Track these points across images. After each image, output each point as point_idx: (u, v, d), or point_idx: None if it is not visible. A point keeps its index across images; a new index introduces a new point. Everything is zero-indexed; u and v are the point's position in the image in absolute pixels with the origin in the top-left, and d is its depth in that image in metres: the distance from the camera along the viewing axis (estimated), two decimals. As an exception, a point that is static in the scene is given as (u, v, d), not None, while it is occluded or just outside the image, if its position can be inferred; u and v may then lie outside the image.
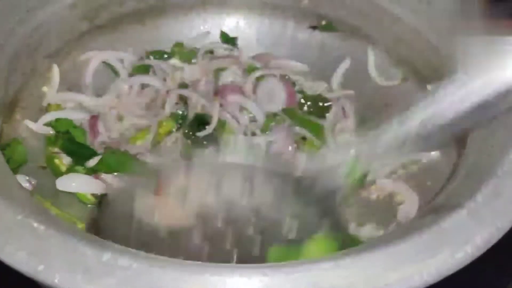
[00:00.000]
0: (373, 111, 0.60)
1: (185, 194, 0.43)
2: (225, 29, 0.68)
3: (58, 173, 0.53)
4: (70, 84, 0.61)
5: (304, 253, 0.39)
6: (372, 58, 0.64)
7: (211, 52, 0.66)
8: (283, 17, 0.67)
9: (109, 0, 0.61)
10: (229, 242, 0.40)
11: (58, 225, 0.34)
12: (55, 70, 0.59)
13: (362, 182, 0.51)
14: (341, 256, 0.34)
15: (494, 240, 0.35)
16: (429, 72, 0.59)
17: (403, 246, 0.34)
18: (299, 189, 0.43)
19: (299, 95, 0.62)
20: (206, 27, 0.68)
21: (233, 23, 0.68)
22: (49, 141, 0.55)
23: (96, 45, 0.63)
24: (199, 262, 0.33)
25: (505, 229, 0.37)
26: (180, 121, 0.58)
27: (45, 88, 0.59)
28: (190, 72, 0.63)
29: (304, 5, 0.67)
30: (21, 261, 0.31)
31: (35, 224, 0.33)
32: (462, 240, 0.35)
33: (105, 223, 0.42)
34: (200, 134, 0.55)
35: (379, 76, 0.63)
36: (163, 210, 0.42)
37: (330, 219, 0.42)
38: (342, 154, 0.44)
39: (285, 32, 0.68)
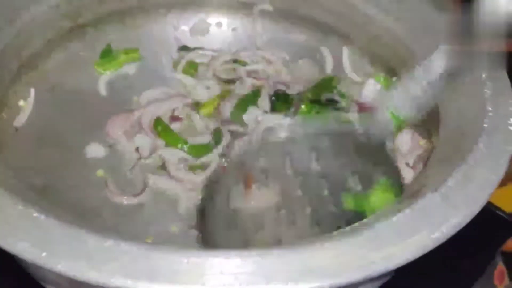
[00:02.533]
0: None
1: (267, 178, 0.51)
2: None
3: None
4: (52, 84, 0.62)
5: (370, 202, 0.48)
6: (346, 55, 0.67)
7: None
8: (260, 17, 0.70)
9: (91, 0, 0.63)
10: (308, 207, 0.49)
11: (57, 214, 0.35)
12: (31, 96, 0.59)
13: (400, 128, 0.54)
14: (328, 239, 0.36)
15: (465, 222, 0.38)
16: (401, 68, 0.62)
17: (384, 228, 0.37)
18: (357, 145, 0.50)
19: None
20: (186, 27, 0.70)
21: (213, 22, 0.70)
22: None
23: (78, 44, 0.64)
24: (196, 248, 0.35)
25: (475, 212, 0.40)
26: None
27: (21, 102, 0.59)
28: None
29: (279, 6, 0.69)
30: (24, 249, 0.33)
31: (35, 214, 0.34)
32: (438, 221, 0.38)
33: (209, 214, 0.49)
34: None
35: (354, 72, 0.66)
36: (254, 200, 0.50)
37: (384, 168, 0.49)
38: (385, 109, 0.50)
39: (262, 32, 0.70)
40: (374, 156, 0.49)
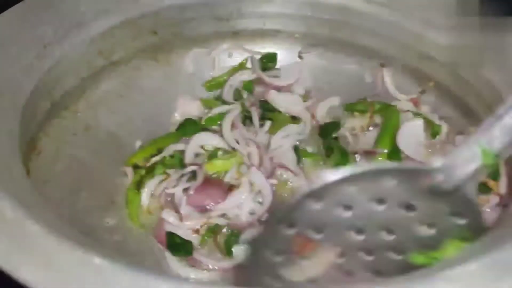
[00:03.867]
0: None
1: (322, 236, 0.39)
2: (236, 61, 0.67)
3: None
4: (86, 124, 0.57)
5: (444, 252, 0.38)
6: (389, 75, 0.63)
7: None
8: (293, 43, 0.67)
9: (124, 35, 0.59)
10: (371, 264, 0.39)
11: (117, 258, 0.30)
12: None
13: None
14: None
15: None
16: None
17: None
18: (431, 187, 0.39)
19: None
20: (219, 61, 0.67)
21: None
22: None
23: (110, 83, 0.61)
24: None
25: None
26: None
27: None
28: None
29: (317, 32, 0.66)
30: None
31: (97, 260, 0.29)
32: None
33: None
34: None
35: (397, 91, 0.63)
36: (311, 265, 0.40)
37: (465, 217, 0.39)
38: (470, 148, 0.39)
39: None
40: (451, 200, 0.38)
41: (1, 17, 0.50)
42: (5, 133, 0.41)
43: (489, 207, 0.49)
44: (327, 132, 0.60)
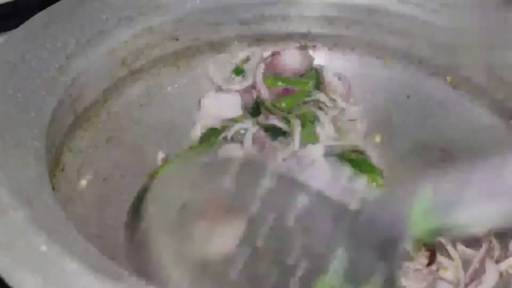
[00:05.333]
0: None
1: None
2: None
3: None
4: (107, 137, 0.55)
5: None
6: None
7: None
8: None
9: (147, 43, 0.57)
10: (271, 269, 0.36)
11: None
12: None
13: (433, 239, 0.41)
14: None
15: None
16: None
17: None
18: (355, 224, 0.36)
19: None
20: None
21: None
22: None
23: (131, 92, 0.58)
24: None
25: None
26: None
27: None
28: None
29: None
30: None
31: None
32: None
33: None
34: None
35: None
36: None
37: (383, 271, 0.34)
38: (411, 193, 0.34)
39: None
40: (377, 250, 0.34)
41: (21, 29, 0.47)
42: (32, 156, 0.39)
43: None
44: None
